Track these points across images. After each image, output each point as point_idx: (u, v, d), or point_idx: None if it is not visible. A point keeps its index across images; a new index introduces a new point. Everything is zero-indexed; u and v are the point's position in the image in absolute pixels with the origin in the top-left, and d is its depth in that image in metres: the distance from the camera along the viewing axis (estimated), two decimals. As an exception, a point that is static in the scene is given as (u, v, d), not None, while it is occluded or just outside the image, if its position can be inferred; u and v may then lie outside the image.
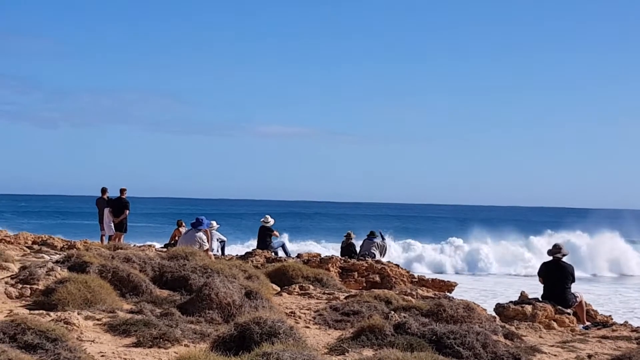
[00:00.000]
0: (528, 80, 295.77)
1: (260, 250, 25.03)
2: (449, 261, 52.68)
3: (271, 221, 27.90)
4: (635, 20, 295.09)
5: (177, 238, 26.18)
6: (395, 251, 50.58)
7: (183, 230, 27.08)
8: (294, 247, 39.69)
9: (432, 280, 23.64)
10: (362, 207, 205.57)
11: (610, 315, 18.19)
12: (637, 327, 14.99)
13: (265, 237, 27.59)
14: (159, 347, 9.66)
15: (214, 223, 25.87)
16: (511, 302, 15.94)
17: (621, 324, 15.58)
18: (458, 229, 78.34)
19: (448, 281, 23.86)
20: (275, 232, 27.84)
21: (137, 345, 9.73)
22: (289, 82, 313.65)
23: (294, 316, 12.56)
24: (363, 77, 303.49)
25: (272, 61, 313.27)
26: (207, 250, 20.38)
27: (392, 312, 12.40)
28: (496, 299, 23.04)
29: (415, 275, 24.05)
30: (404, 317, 11.74)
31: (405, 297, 14.79)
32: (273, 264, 19.86)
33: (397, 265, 24.24)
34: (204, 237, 20.91)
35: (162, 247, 26.19)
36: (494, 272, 50.18)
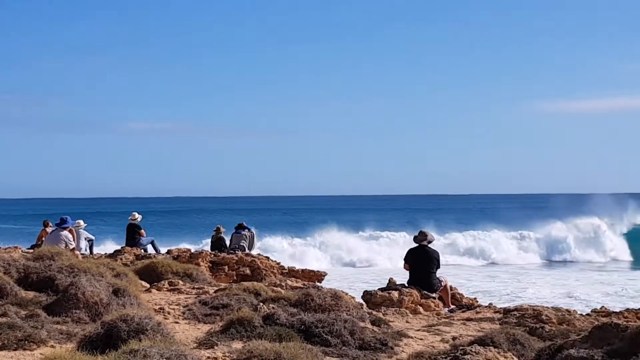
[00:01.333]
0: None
1: (129, 248, 24.73)
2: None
3: (138, 217, 27.61)
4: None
5: (43, 239, 25.63)
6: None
7: (49, 230, 26.53)
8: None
9: (302, 270, 23.82)
10: (239, 201, 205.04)
11: (475, 298, 18.71)
12: (500, 308, 15.50)
13: (133, 234, 27.28)
14: (24, 350, 9.50)
15: (81, 222, 25.46)
16: (379, 289, 16.23)
17: (485, 306, 16.09)
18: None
19: (318, 271, 24.09)
20: (142, 232, 27.51)
21: (1, 348, 9.54)
22: (158, 78, 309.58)
23: (162, 312, 12.50)
24: (234, 69, 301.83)
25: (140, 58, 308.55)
26: (74, 249, 20.07)
27: (261, 304, 12.48)
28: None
29: (286, 266, 24.19)
30: (273, 308, 11.84)
31: (275, 288, 14.91)
32: (142, 261, 19.69)
33: (267, 258, 24.34)
34: (70, 236, 20.58)
35: (28, 249, 25.57)
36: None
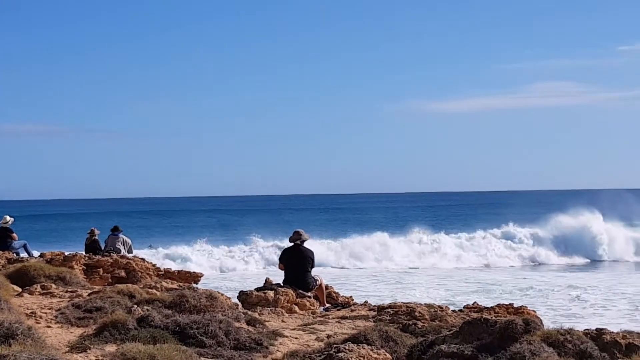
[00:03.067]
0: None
1: (1, 252, 24.13)
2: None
3: (10, 220, 27.00)
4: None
5: None
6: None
7: None
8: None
9: (179, 272, 23.68)
10: (123, 203, 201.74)
11: (351, 296, 18.91)
12: (375, 306, 15.73)
13: (5, 238, 26.64)
14: None
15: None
16: (255, 288, 16.27)
17: (361, 304, 16.29)
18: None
19: (194, 272, 23.99)
20: (14, 235, 26.87)
21: None
22: (38, 80, 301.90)
23: (34, 316, 12.26)
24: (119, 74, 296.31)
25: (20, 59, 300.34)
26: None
27: (136, 306, 12.36)
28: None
29: (162, 268, 24.00)
30: (147, 310, 11.75)
31: (150, 290, 14.78)
32: (14, 264, 19.24)
33: (143, 260, 24.10)
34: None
35: None
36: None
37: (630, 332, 11.64)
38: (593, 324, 17.03)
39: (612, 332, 11.18)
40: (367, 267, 45.16)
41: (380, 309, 14.92)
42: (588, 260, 50.74)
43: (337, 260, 47.13)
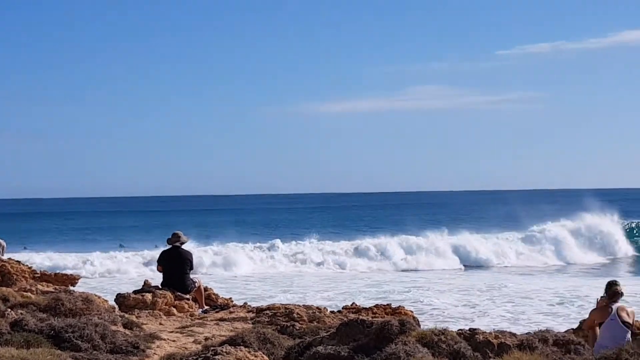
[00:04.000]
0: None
1: None
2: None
3: None
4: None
5: None
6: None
7: None
8: None
9: (55, 274, 23.18)
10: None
11: (230, 298, 18.86)
12: (254, 307, 15.75)
13: None
14: None
15: None
16: (133, 291, 16.08)
17: (240, 306, 16.28)
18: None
19: (71, 275, 23.52)
20: None
21: None
22: None
23: None
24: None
25: None
26: None
27: (9, 310, 12.10)
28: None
29: (38, 271, 23.46)
30: (22, 314, 11.53)
31: (25, 293, 14.51)
32: None
33: (19, 262, 23.49)
34: None
35: None
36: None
37: (502, 332, 11.96)
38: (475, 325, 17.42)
39: (485, 332, 11.46)
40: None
41: (259, 310, 14.95)
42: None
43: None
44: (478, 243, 47.11)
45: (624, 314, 11.44)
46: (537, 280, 35.09)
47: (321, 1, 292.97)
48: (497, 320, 22.40)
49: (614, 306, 11.51)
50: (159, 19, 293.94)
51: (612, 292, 11.67)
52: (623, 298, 11.91)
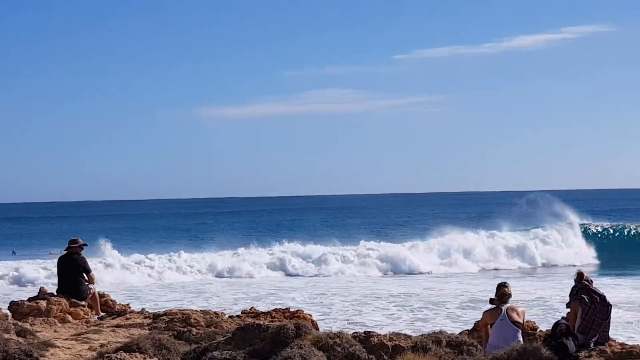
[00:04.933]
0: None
1: None
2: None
3: None
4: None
5: None
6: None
7: None
8: None
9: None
10: None
11: (128, 304, 18.68)
12: (151, 313, 15.64)
13: None
14: None
15: None
16: (28, 298, 15.81)
17: (137, 312, 16.14)
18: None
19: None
20: None
21: None
22: None
23: None
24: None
25: None
26: None
27: None
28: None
29: None
30: None
31: None
32: None
33: None
34: None
35: None
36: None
37: (397, 334, 12.15)
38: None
39: (380, 335, 11.63)
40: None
41: (156, 316, 14.86)
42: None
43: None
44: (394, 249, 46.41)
45: (514, 314, 11.71)
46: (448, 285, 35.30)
47: (219, 4, 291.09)
48: (403, 325, 22.49)
49: (504, 307, 11.78)
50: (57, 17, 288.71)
51: (501, 293, 11.95)
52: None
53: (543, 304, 25.93)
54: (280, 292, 32.99)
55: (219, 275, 41.02)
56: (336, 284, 36.03)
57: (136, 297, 30.90)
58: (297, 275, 41.40)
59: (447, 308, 25.85)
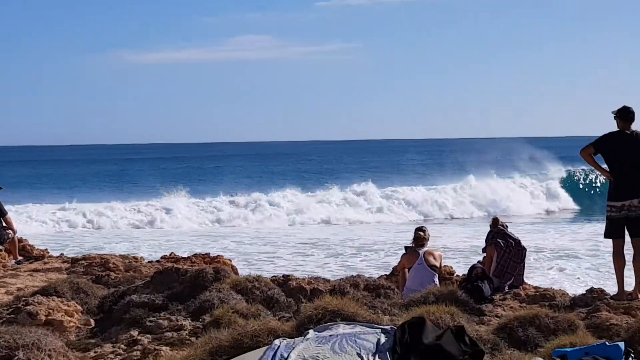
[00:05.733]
0: None
1: None
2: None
3: None
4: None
5: None
6: None
7: None
8: None
9: None
10: None
11: (46, 249, 18.47)
12: (69, 258, 15.54)
13: None
14: None
15: None
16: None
17: (56, 257, 16.01)
18: None
19: None
20: None
21: None
22: None
23: None
24: None
25: None
26: None
27: None
28: None
29: None
30: None
31: None
32: None
33: None
34: None
35: None
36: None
37: (316, 278, 12.28)
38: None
39: (298, 279, 11.74)
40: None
41: (74, 261, 14.77)
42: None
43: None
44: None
45: (430, 258, 11.88)
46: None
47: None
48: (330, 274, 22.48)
49: (421, 250, 11.95)
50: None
51: (417, 237, 12.11)
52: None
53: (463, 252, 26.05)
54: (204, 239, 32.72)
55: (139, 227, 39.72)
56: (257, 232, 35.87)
57: (56, 243, 30.45)
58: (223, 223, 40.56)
59: (377, 254, 25.84)
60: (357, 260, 23.87)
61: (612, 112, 10.83)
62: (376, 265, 22.29)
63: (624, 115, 10.75)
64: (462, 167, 63.22)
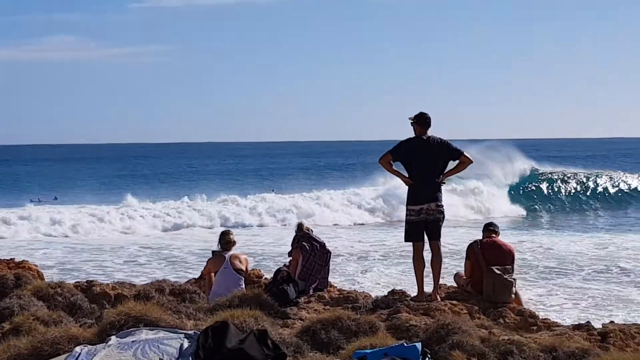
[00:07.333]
0: None
1: None
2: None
3: None
4: None
5: None
6: None
7: None
8: None
9: None
10: None
11: None
12: None
13: None
14: None
15: None
16: None
17: None
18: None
19: None
20: None
21: None
22: None
23: None
24: None
25: None
26: None
27: None
28: None
29: None
30: None
31: None
32: None
33: None
34: None
35: None
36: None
37: (121, 283, 12.14)
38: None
39: (102, 284, 11.60)
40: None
41: None
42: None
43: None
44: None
45: (236, 262, 11.91)
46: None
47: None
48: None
49: (227, 254, 11.96)
50: None
51: (225, 240, 12.10)
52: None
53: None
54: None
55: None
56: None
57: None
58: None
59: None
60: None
61: (409, 118, 11.17)
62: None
63: (420, 121, 11.12)
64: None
